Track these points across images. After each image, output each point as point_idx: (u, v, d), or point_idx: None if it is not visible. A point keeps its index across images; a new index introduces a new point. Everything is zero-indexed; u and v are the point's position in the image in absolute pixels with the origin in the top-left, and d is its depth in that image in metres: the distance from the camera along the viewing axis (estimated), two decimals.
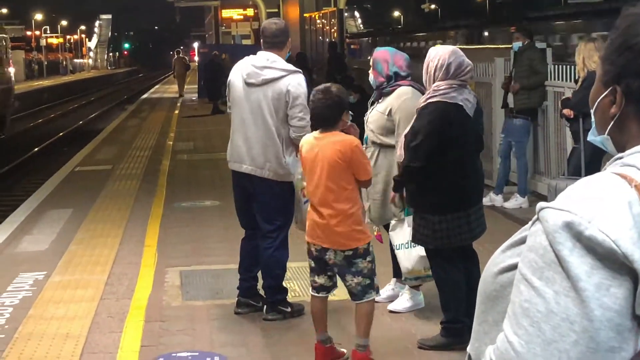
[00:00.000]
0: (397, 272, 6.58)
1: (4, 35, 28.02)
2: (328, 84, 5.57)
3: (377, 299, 6.41)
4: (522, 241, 1.52)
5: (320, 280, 5.36)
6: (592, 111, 1.63)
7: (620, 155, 1.53)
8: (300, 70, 6.37)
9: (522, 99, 9.98)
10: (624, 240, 1.36)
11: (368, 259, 5.28)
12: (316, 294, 5.38)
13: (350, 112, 5.50)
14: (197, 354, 5.74)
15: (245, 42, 41.50)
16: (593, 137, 1.65)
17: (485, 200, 8.31)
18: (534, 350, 1.39)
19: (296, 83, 6.15)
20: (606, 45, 1.60)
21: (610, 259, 1.36)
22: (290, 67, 6.29)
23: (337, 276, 5.39)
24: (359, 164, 5.26)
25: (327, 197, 5.25)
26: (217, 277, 7.59)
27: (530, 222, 1.47)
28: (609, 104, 1.57)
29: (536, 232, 1.43)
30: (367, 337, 5.30)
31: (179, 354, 5.72)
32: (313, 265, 5.38)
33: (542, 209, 1.44)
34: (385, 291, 6.62)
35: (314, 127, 5.55)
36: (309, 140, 5.41)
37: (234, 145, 6.37)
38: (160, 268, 7.95)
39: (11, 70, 27.08)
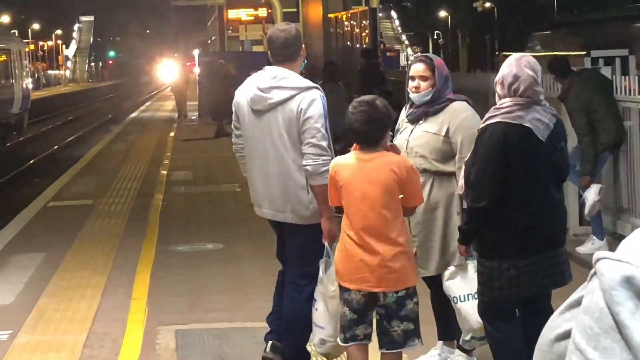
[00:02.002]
0: (443, 333, 6.53)
1: (19, 46, 36.62)
2: (373, 96, 5.65)
3: None
4: (580, 301, 1.50)
5: (360, 330, 5.49)
6: None
7: None
8: (317, 86, 6.34)
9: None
10: None
11: (415, 300, 5.47)
12: (355, 343, 5.51)
13: (391, 132, 5.55)
14: None
15: (256, 48, 41.78)
16: None
17: None
18: None
19: (309, 101, 6.14)
20: None
21: None
22: (303, 82, 6.27)
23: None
24: (415, 188, 5.45)
25: (384, 227, 5.37)
26: (221, 337, 7.56)
27: (588, 277, 1.45)
28: None
29: (592, 289, 1.42)
30: None
31: None
32: (355, 317, 5.45)
33: (598, 259, 1.42)
34: (431, 357, 6.57)
35: (350, 145, 5.64)
36: (348, 161, 5.51)
37: (252, 185, 6.46)
38: (151, 326, 7.94)
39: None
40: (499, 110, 5.50)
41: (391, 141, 5.67)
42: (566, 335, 1.51)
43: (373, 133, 5.41)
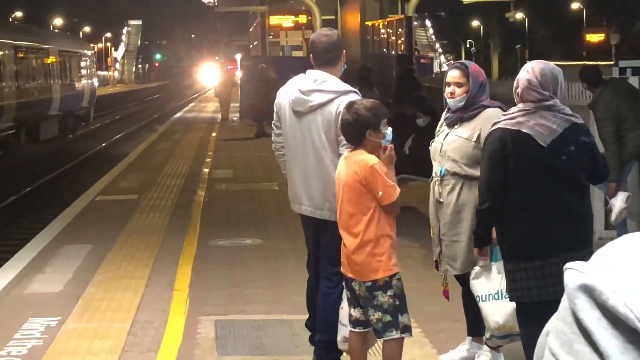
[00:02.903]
0: (472, 329, 6.50)
1: (89, 51, 44.88)
2: (353, 100, 5.78)
3: (447, 359, 6.39)
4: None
5: (355, 313, 5.66)
6: None
7: None
8: (356, 90, 6.33)
9: None
10: None
11: (389, 293, 5.52)
12: (353, 329, 5.66)
13: (389, 145, 5.60)
14: None
15: (296, 53, 41.80)
16: None
17: None
18: None
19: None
20: None
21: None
22: (343, 86, 6.26)
23: None
24: (376, 186, 5.48)
25: (347, 221, 5.57)
26: (259, 329, 7.57)
27: None
28: None
29: (565, 296, 1.42)
30: None
31: None
32: (349, 296, 5.70)
33: (565, 269, 1.43)
34: (459, 352, 6.54)
35: None
36: (340, 160, 5.75)
37: (291, 183, 6.44)
38: (192, 317, 7.96)
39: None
40: (505, 116, 5.47)
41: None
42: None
43: (350, 134, 5.61)
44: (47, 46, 35.51)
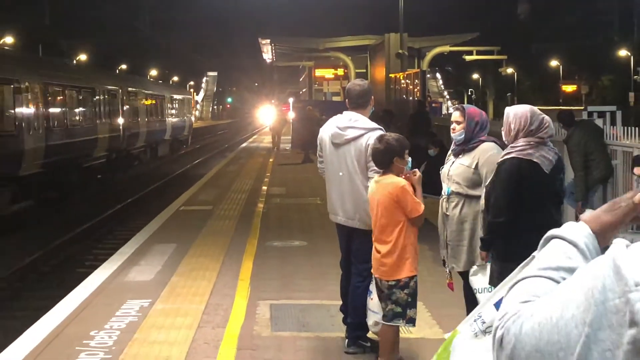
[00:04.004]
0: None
1: (189, 97, 52.65)
2: (385, 133, 5.81)
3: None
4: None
5: (382, 307, 5.64)
6: None
7: None
8: (381, 128, 6.34)
9: None
10: None
11: (405, 291, 5.55)
12: (383, 322, 5.63)
13: (416, 170, 5.64)
14: None
15: (335, 98, 41.85)
16: None
17: None
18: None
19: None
20: None
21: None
22: (371, 124, 6.28)
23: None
24: (407, 203, 5.50)
25: (381, 232, 5.54)
26: (304, 311, 7.56)
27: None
28: None
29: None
30: (388, 356, 5.55)
31: None
32: (379, 293, 5.65)
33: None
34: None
35: None
36: (372, 183, 5.71)
37: (330, 199, 6.46)
38: (253, 301, 7.97)
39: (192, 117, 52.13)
40: (514, 148, 5.42)
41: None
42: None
43: (381, 160, 5.61)
44: (163, 94, 39.91)
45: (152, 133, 34.80)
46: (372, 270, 5.64)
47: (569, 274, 1.49)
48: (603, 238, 1.58)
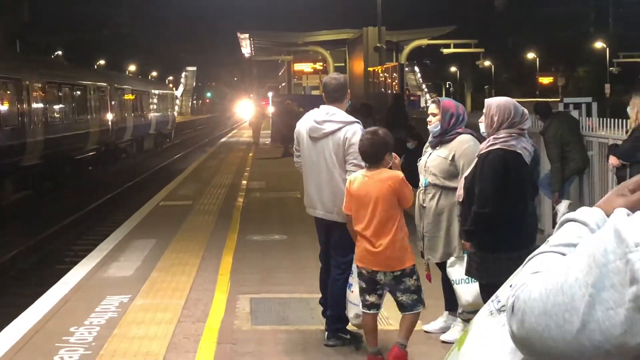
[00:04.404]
0: (449, 305, 6.47)
1: (172, 92, 53.29)
2: (376, 127, 5.77)
3: (429, 329, 6.36)
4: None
5: (371, 298, 5.59)
6: None
7: None
8: (358, 121, 6.34)
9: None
10: None
11: (414, 277, 5.58)
12: (368, 311, 5.61)
13: (394, 154, 5.63)
14: None
15: (314, 92, 41.83)
16: None
17: None
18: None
19: (352, 132, 6.14)
20: None
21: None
22: (348, 118, 6.27)
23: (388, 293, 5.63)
24: (406, 194, 5.52)
25: (382, 226, 5.48)
26: (284, 304, 7.56)
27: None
28: None
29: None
30: (407, 339, 5.57)
31: None
32: (364, 286, 5.60)
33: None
34: (438, 323, 6.51)
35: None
36: (358, 177, 5.60)
37: (307, 192, 6.42)
38: (233, 295, 7.96)
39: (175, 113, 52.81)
40: (497, 139, 5.43)
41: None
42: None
43: (375, 154, 5.54)
44: (148, 90, 41.45)
45: (138, 127, 36.46)
46: (365, 264, 5.57)
47: None
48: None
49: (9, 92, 19.92)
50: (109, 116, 31.01)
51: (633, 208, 1.63)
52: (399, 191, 5.47)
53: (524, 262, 1.68)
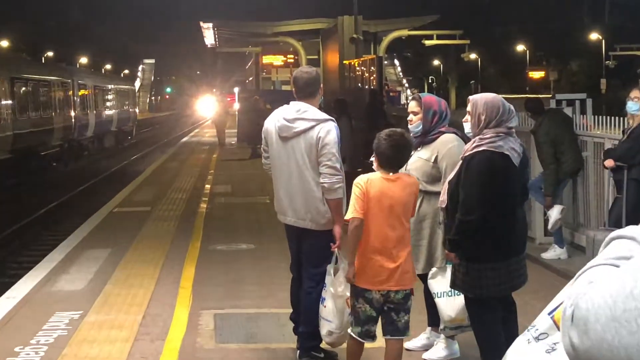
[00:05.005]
0: (432, 320, 6.49)
1: (132, 88, 56.14)
2: (401, 129, 5.62)
3: (410, 347, 6.39)
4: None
5: (374, 328, 5.44)
6: None
7: None
8: (332, 118, 6.31)
9: None
10: None
11: (412, 295, 5.48)
12: (363, 340, 5.43)
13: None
14: None
15: (285, 87, 41.84)
16: None
17: None
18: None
19: (326, 131, 6.11)
20: None
21: None
22: (321, 115, 6.25)
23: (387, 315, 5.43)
24: (416, 203, 5.54)
25: (403, 235, 5.37)
26: (251, 320, 7.55)
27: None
28: None
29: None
30: None
31: None
32: (374, 315, 5.40)
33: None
34: (420, 340, 6.53)
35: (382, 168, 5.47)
36: (375, 180, 5.35)
37: (277, 197, 6.40)
38: (195, 310, 7.93)
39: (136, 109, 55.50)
40: (483, 140, 5.42)
41: None
42: None
43: (401, 158, 5.41)
44: (110, 85, 44.04)
45: (100, 124, 38.97)
46: (381, 286, 5.34)
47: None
48: None
49: None
50: (72, 113, 33.17)
51: None
52: (416, 198, 5.47)
53: (574, 278, 1.72)
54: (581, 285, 1.63)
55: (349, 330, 5.51)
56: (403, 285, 5.34)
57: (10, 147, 24.52)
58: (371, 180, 5.32)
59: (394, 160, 5.36)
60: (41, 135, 28.22)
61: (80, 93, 35.37)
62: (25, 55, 44.85)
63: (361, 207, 5.27)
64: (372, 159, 5.46)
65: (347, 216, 5.37)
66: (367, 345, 5.52)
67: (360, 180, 5.34)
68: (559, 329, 1.74)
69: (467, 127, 5.58)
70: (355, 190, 5.29)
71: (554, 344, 1.74)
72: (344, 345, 5.77)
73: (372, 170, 5.48)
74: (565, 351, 1.60)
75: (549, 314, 1.79)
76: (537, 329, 1.80)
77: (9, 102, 25.17)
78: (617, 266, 1.64)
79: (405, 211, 5.35)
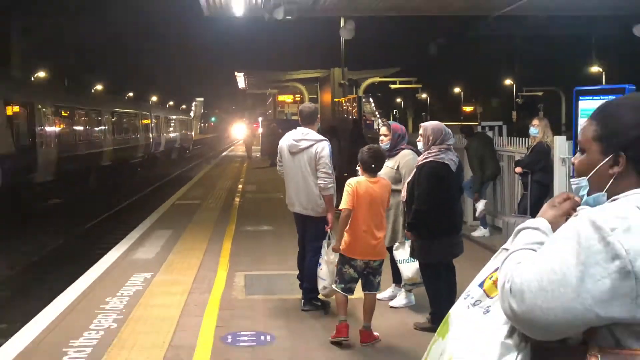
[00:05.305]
0: (395, 279, 6.48)
1: (190, 118, 59.15)
2: (377, 145, 5.54)
3: (380, 297, 6.34)
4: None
5: (354, 285, 5.33)
6: (586, 177, 1.68)
7: (615, 198, 1.58)
8: (326, 139, 6.28)
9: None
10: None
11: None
12: (345, 294, 5.33)
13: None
14: (254, 333, 5.67)
15: (294, 117, 41.68)
16: (587, 197, 1.70)
17: None
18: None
19: (321, 148, 6.10)
20: (599, 127, 1.65)
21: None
22: (318, 137, 6.21)
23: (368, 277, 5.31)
24: (389, 198, 5.41)
25: (380, 222, 5.27)
26: (271, 280, 7.53)
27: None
28: (607, 167, 1.61)
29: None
30: (371, 319, 5.32)
31: (242, 333, 5.66)
32: (356, 276, 5.29)
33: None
34: (387, 292, 6.52)
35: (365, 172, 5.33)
36: (362, 182, 5.24)
37: (288, 194, 6.37)
38: (231, 272, 7.91)
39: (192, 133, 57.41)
40: (430, 154, 5.45)
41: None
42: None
43: (378, 166, 5.33)
44: (174, 116, 46.26)
45: (168, 142, 40.75)
46: (364, 256, 5.22)
47: (541, 246, 1.60)
48: (555, 224, 1.70)
49: (100, 119, 25.50)
50: (150, 135, 35.30)
51: (562, 215, 1.68)
52: (389, 195, 5.36)
53: (502, 262, 1.66)
54: (512, 265, 1.59)
55: (334, 286, 5.40)
56: (380, 256, 5.29)
57: (111, 158, 26.05)
58: (359, 182, 5.28)
59: (373, 165, 5.29)
60: (130, 150, 29.97)
61: (155, 121, 36.97)
62: (116, 95, 45.81)
63: (351, 201, 5.22)
64: (358, 167, 5.44)
65: (341, 206, 5.29)
66: (351, 297, 5.51)
67: (352, 181, 5.31)
68: (488, 297, 1.70)
69: (420, 145, 5.59)
70: (347, 189, 5.25)
71: (487, 307, 1.69)
72: (334, 297, 5.76)
73: (355, 176, 5.47)
74: (506, 315, 1.55)
75: (479, 285, 1.74)
76: (472, 297, 1.76)
77: (110, 127, 26.89)
78: (534, 250, 1.61)
79: (382, 204, 5.28)
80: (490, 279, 1.72)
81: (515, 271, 1.57)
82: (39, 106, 18.19)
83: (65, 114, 21.30)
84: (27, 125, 17.32)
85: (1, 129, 15.43)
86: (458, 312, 1.78)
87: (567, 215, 1.71)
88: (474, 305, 1.77)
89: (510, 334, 1.58)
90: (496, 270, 1.69)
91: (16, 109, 16.75)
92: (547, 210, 1.75)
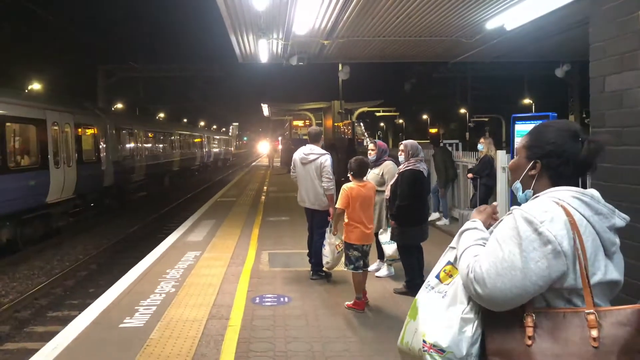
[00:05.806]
0: (380, 255, 6.46)
1: (230, 137, 58.50)
2: (361, 156, 5.46)
3: (368, 269, 6.31)
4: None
5: (363, 262, 5.18)
6: (519, 180, 1.69)
7: (537, 195, 1.58)
8: (328, 153, 6.28)
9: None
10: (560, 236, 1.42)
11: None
12: (360, 271, 5.18)
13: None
14: (276, 295, 5.67)
15: (304, 137, 41.61)
16: (520, 193, 1.69)
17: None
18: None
19: (325, 159, 6.12)
20: (528, 140, 1.66)
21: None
22: (322, 151, 6.22)
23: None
24: (374, 197, 5.29)
25: (370, 217, 5.20)
26: (288, 256, 7.51)
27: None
28: (529, 170, 1.63)
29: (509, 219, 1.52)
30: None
31: (266, 295, 5.66)
32: (360, 255, 5.16)
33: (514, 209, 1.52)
34: (373, 266, 6.49)
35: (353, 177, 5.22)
36: (354, 187, 5.14)
37: (300, 193, 6.37)
38: (259, 251, 7.90)
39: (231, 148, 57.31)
40: (409, 164, 5.46)
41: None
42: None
43: (363, 172, 5.27)
44: (218, 136, 46.86)
45: (215, 155, 42.05)
46: (362, 241, 5.10)
47: (485, 240, 1.59)
48: (484, 223, 1.71)
49: (172, 138, 26.89)
50: (203, 150, 36.49)
51: (487, 217, 1.68)
52: (374, 194, 5.29)
53: (459, 257, 1.61)
54: (471, 258, 1.56)
55: (346, 268, 5.20)
56: (371, 240, 5.27)
57: (178, 165, 27.32)
58: (351, 187, 5.24)
59: (360, 171, 5.24)
60: (190, 160, 31.35)
61: (205, 140, 38.05)
62: (179, 122, 47.10)
63: (345, 202, 5.19)
64: (349, 175, 5.44)
65: (337, 205, 5.27)
66: (345, 272, 5.49)
67: (346, 186, 5.28)
68: (443, 284, 1.67)
69: (401, 158, 5.60)
70: (342, 192, 5.25)
71: (445, 292, 1.66)
72: (335, 269, 5.74)
73: (349, 181, 5.47)
74: (472, 297, 1.53)
75: (436, 276, 1.71)
76: (431, 286, 1.73)
77: (178, 144, 28.15)
78: (482, 245, 1.59)
79: (370, 202, 5.24)
80: (444, 271, 1.70)
81: (475, 263, 1.56)
82: (136, 130, 20.40)
83: (151, 135, 23.28)
84: (128, 142, 19.37)
85: (114, 145, 16.91)
86: (423, 298, 1.75)
87: (490, 216, 1.71)
88: (434, 291, 1.75)
89: (466, 309, 1.57)
90: (448, 264, 1.66)
91: (123, 131, 18.44)
92: (476, 214, 1.76)
